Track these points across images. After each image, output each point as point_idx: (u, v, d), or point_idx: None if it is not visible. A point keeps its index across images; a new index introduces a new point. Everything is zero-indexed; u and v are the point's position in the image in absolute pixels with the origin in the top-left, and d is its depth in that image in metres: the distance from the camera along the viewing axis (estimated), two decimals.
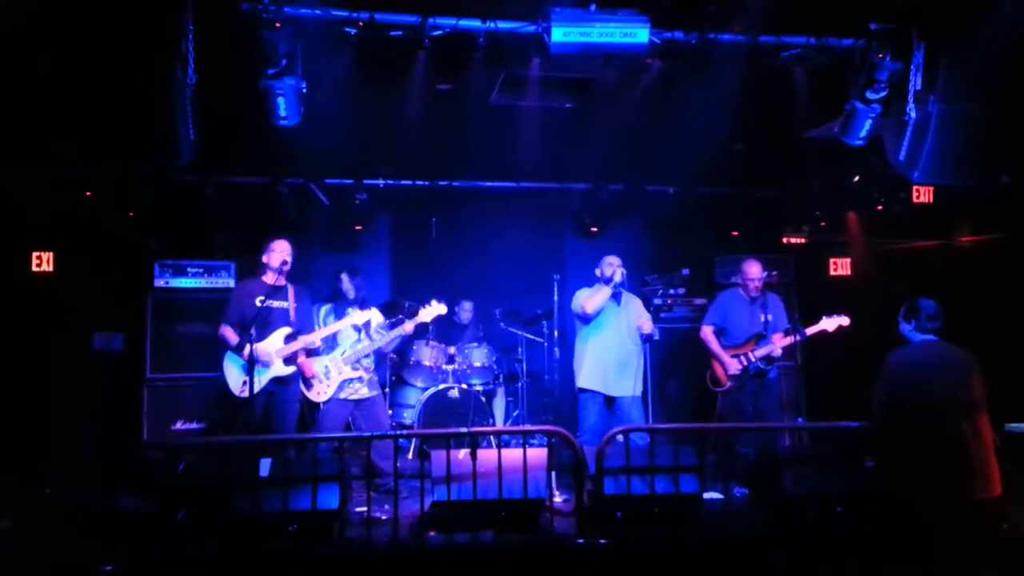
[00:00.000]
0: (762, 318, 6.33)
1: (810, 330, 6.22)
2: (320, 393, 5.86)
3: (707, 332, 6.44)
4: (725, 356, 6.30)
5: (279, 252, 5.67)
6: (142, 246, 7.16)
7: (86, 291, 6.91)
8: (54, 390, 6.68)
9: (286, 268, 5.65)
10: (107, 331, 7.10)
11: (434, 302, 6.11)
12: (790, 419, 7.38)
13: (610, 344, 6.01)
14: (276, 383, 5.56)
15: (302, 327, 5.70)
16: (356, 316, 5.85)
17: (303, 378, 5.80)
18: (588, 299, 6.00)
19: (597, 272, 6.15)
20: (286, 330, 5.61)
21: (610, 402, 6.01)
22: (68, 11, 5.04)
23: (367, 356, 6.02)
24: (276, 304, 5.61)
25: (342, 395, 5.91)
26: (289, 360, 5.59)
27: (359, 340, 5.99)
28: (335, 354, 5.91)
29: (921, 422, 4.11)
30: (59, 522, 4.71)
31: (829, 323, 6.19)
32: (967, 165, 5.84)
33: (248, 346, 5.27)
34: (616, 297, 6.06)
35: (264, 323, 5.53)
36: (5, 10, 5.01)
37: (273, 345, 5.54)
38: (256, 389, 5.38)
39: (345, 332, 5.95)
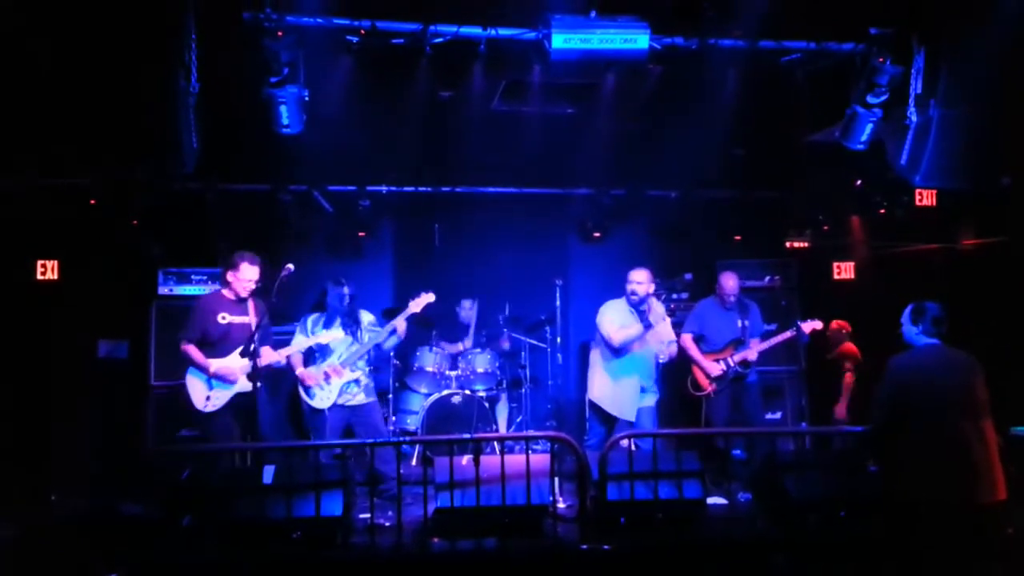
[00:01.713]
0: (739, 324, 6.37)
1: (786, 334, 6.33)
2: (323, 400, 5.84)
3: (687, 340, 6.45)
4: (704, 360, 6.35)
5: (248, 276, 5.49)
6: (146, 254, 7.18)
7: (90, 299, 6.94)
8: (59, 397, 6.70)
9: (253, 290, 5.55)
10: (112, 338, 7.12)
11: (423, 294, 6.04)
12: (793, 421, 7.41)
13: (632, 372, 5.96)
14: (240, 396, 5.47)
15: (263, 341, 5.55)
16: (322, 336, 5.74)
17: (303, 387, 5.80)
18: (617, 332, 5.91)
19: (628, 288, 6.01)
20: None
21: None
22: (71, 22, 5.08)
23: (362, 358, 5.99)
24: (238, 320, 5.52)
25: (340, 400, 5.90)
26: (252, 376, 5.42)
27: (352, 343, 5.96)
28: (332, 359, 5.89)
29: (925, 426, 4.10)
30: (64, 528, 4.73)
31: (804, 327, 6.29)
32: (968, 168, 5.85)
33: (212, 361, 5.33)
34: (643, 317, 5.95)
35: (227, 339, 5.45)
36: (11, 20, 5.05)
37: (237, 362, 5.42)
38: (220, 405, 5.39)
39: (337, 338, 5.91)
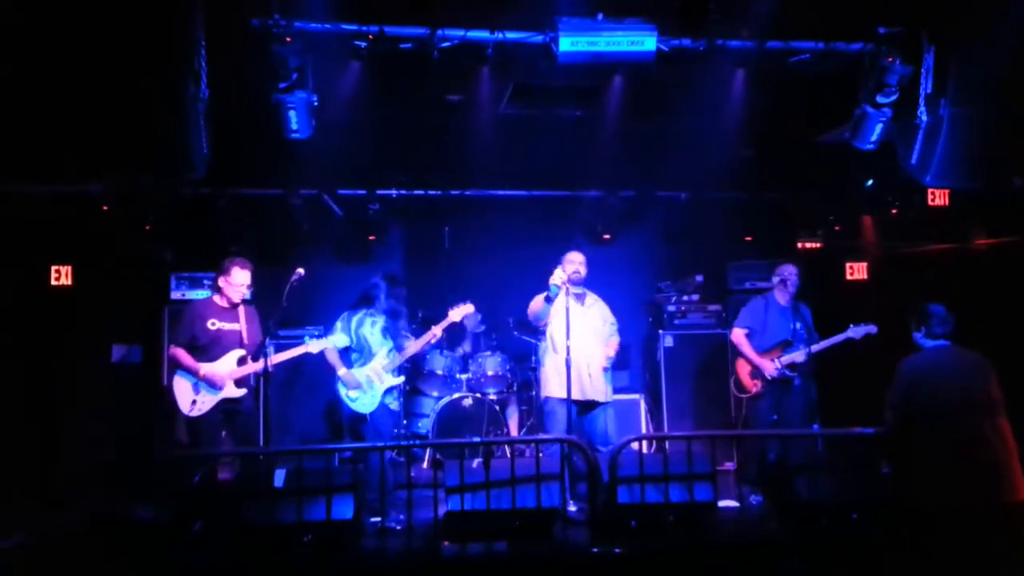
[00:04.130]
0: (791, 325, 6.20)
1: (833, 339, 6.15)
2: (363, 404, 5.78)
3: (739, 335, 6.30)
4: (758, 359, 6.19)
5: (240, 281, 5.53)
6: (158, 259, 7.24)
7: (103, 304, 7.00)
8: (72, 402, 6.76)
9: (245, 298, 5.61)
10: (125, 343, 7.18)
11: (462, 304, 6.02)
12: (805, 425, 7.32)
13: (576, 347, 5.62)
14: (227, 402, 5.49)
15: (253, 349, 5.58)
16: (312, 345, 5.73)
17: (346, 391, 5.78)
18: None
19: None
20: (239, 352, 5.53)
21: (583, 409, 5.78)
22: (83, 30, 5.13)
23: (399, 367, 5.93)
24: (228, 327, 5.56)
25: (393, 406, 5.89)
26: (240, 382, 5.51)
27: (391, 350, 5.92)
28: (374, 364, 5.84)
29: (935, 427, 4.07)
30: (76, 533, 4.77)
31: (856, 331, 6.12)
32: (979, 168, 5.80)
33: (202, 365, 5.38)
34: (579, 298, 5.87)
35: (216, 345, 5.49)
36: (24, 32, 5.11)
37: (226, 367, 5.48)
38: (207, 409, 5.41)
39: (379, 341, 5.91)
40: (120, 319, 7.12)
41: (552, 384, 5.73)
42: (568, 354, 5.49)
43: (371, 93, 5.96)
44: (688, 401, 7.53)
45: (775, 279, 6.39)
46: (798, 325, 6.20)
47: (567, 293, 5.63)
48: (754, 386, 6.23)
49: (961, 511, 3.95)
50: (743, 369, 6.34)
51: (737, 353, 6.41)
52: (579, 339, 5.67)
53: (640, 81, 6.21)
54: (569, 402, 5.54)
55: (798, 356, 6.10)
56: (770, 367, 6.15)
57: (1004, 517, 3.94)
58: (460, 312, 6.00)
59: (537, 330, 5.96)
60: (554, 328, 5.79)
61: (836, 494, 5.00)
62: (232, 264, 5.55)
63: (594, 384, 5.76)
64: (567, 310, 5.57)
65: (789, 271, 6.31)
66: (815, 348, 6.11)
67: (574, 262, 5.85)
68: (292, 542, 4.67)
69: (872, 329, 6.13)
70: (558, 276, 5.64)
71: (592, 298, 6.05)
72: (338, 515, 4.73)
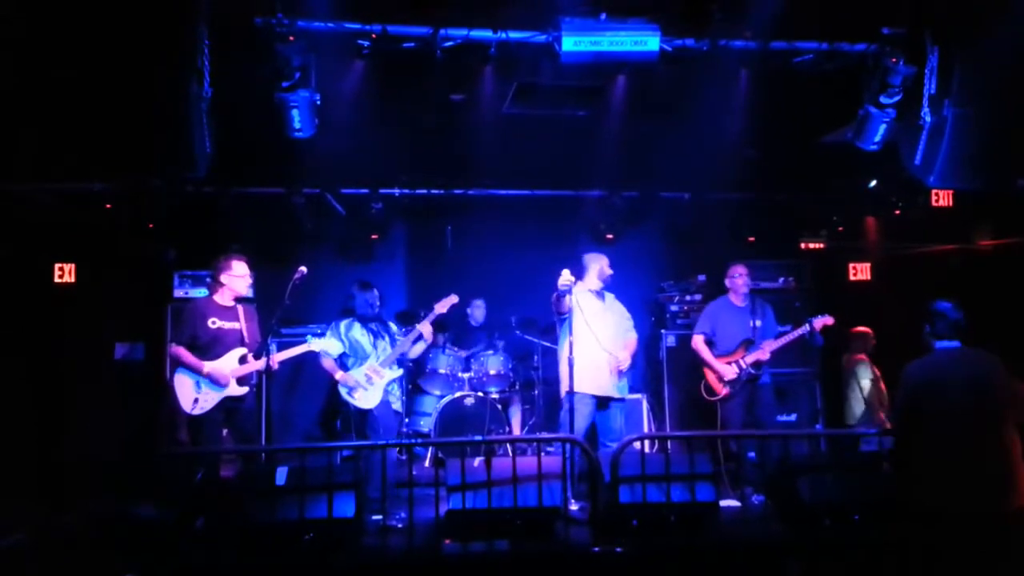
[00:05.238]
0: (751, 324, 6.27)
1: (797, 332, 6.19)
2: (367, 400, 5.79)
3: (698, 341, 6.37)
4: (718, 363, 6.24)
5: (242, 272, 5.59)
6: (161, 257, 7.25)
7: (106, 301, 7.02)
8: (74, 399, 6.78)
9: (243, 296, 5.66)
10: (128, 341, 7.19)
11: (445, 298, 6.07)
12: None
13: (602, 344, 5.77)
14: (229, 400, 5.50)
15: (254, 347, 5.59)
16: (314, 343, 5.78)
17: (346, 388, 5.79)
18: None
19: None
20: (241, 351, 5.54)
21: (602, 404, 5.86)
22: (86, 28, 5.15)
23: (395, 362, 5.97)
24: (227, 326, 5.56)
25: (396, 405, 5.91)
26: (242, 380, 5.52)
27: (385, 346, 5.94)
28: (370, 362, 5.86)
29: (944, 432, 4.01)
30: (78, 532, 4.77)
31: (815, 323, 6.14)
32: (983, 169, 5.79)
33: (205, 363, 5.38)
34: (601, 295, 6.03)
35: (217, 343, 5.50)
36: (28, 33, 5.13)
37: (228, 365, 5.49)
38: (208, 407, 5.40)
39: (371, 341, 5.92)
40: (123, 317, 7.15)
41: (578, 379, 5.66)
42: (595, 350, 5.60)
43: (374, 92, 5.97)
44: (690, 401, 7.52)
45: (726, 281, 6.50)
46: (758, 323, 6.28)
47: (590, 290, 5.77)
48: (722, 389, 6.24)
49: (964, 517, 3.91)
50: (710, 373, 6.35)
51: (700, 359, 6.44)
52: (604, 335, 5.79)
53: (643, 81, 6.22)
54: (595, 397, 5.72)
55: (762, 354, 6.14)
56: (729, 371, 6.18)
57: (1007, 524, 3.89)
58: (446, 304, 6.05)
59: (562, 314, 5.95)
60: (579, 324, 5.81)
61: (838, 494, 4.99)
62: (229, 259, 5.61)
63: (616, 380, 5.87)
64: (580, 307, 5.65)
65: (739, 271, 6.42)
66: (776, 344, 6.17)
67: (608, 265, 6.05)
68: (294, 540, 4.67)
69: (828, 320, 6.17)
70: (566, 277, 5.66)
71: (611, 296, 6.15)
72: (339, 513, 4.72)
